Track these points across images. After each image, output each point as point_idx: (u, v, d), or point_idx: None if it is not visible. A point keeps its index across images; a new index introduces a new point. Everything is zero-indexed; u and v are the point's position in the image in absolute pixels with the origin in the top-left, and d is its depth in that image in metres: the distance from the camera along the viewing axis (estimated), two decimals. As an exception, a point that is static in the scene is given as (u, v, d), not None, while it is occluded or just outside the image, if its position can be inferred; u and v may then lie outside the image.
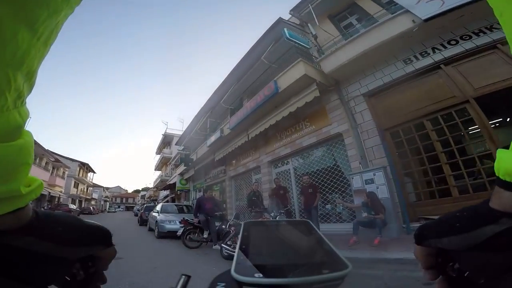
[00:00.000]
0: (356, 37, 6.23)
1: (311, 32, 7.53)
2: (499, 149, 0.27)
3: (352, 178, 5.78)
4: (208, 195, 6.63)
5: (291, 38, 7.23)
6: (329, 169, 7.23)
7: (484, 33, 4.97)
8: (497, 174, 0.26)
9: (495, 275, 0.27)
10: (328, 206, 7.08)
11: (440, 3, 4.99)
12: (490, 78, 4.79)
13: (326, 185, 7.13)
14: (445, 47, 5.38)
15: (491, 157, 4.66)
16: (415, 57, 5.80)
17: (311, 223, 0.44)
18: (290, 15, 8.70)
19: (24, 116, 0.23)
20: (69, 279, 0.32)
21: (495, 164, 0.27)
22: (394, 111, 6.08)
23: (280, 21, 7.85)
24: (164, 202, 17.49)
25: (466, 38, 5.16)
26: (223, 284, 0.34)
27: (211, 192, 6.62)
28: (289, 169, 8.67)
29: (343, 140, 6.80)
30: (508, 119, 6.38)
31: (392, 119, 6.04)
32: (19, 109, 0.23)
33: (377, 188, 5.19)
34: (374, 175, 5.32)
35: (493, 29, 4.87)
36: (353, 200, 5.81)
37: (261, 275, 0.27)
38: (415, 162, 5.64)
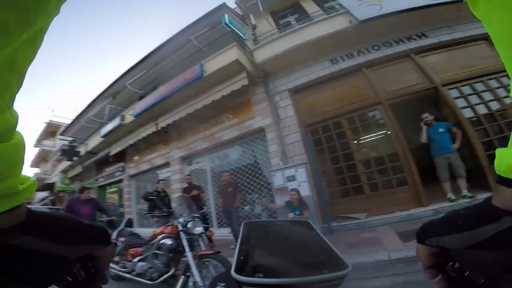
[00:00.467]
0: (293, 30, 6.05)
1: (251, 24, 7.06)
2: (498, 148, 0.27)
3: (274, 175, 5.13)
4: (85, 196, 4.68)
5: (229, 25, 6.51)
6: (248, 166, 6.51)
7: (403, 42, 5.46)
8: (498, 172, 0.26)
9: (495, 275, 0.27)
10: (247, 208, 6.26)
11: (378, 7, 5.25)
12: (401, 83, 5.13)
13: (245, 184, 6.35)
14: (369, 52, 5.67)
15: (398, 157, 4.85)
16: (342, 58, 5.89)
17: (311, 223, 0.45)
18: (236, 5, 8.09)
19: (15, 116, 0.24)
20: (70, 279, 0.32)
21: (496, 162, 0.27)
22: (315, 109, 5.92)
23: (223, 6, 6.89)
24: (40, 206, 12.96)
25: (388, 45, 5.57)
26: (223, 284, 0.35)
27: (89, 193, 4.65)
28: (205, 167, 7.46)
29: (265, 135, 6.20)
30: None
31: (313, 117, 5.81)
32: (11, 110, 0.23)
33: (299, 185, 4.69)
34: (296, 171, 4.81)
35: (410, 39, 5.44)
36: (274, 200, 5.15)
37: (261, 275, 0.27)
38: (331, 160, 5.46)
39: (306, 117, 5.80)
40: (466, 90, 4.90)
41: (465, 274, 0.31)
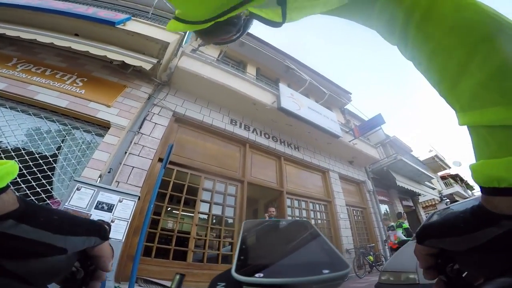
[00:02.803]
0: (227, 71, 5.85)
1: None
2: (470, 164, 0.30)
3: (78, 190, 3.04)
4: None
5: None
6: (40, 155, 3.83)
7: (285, 145, 6.46)
8: (481, 185, 0.28)
9: (494, 277, 0.27)
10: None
11: (298, 108, 6.15)
12: (264, 175, 5.33)
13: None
14: (260, 135, 6.09)
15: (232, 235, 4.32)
16: (241, 124, 5.89)
17: (311, 223, 0.42)
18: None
19: None
20: (69, 276, 0.31)
21: (474, 177, 0.29)
22: (184, 151, 4.91)
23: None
24: None
25: (275, 140, 6.36)
26: (223, 284, 0.32)
27: None
28: None
29: (104, 133, 4.19)
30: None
31: (176, 156, 4.68)
32: None
33: (112, 221, 2.91)
34: (120, 201, 3.10)
35: (290, 146, 6.47)
36: None
37: (261, 275, 0.26)
38: (166, 211, 4.17)
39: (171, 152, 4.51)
40: (296, 203, 5.70)
41: (463, 275, 0.31)
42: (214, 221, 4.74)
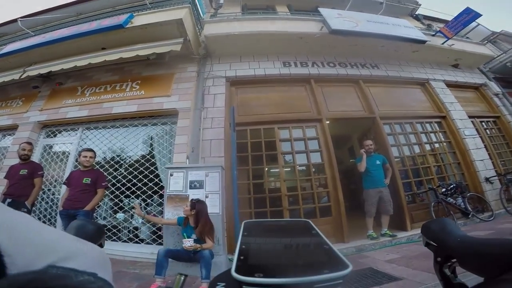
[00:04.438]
0: (256, 18, 5.03)
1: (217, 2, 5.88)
2: None
3: (171, 176, 3.10)
4: None
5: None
6: (136, 156, 4.26)
7: (357, 67, 5.00)
8: None
9: (495, 275, 0.25)
10: (121, 215, 3.82)
11: (354, 25, 4.71)
12: (344, 106, 4.54)
13: (125, 181, 3.95)
14: (323, 66, 4.93)
15: (326, 183, 3.75)
16: (295, 63, 4.90)
17: (311, 223, 0.42)
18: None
19: None
20: None
21: None
22: (250, 108, 4.51)
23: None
24: None
25: (343, 65, 4.99)
26: (223, 284, 0.31)
27: None
28: (72, 143, 4.59)
29: (177, 120, 4.23)
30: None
31: (244, 116, 4.36)
32: None
33: (207, 196, 2.86)
34: (207, 175, 3.02)
35: (364, 67, 5.02)
36: (162, 211, 3.13)
37: (261, 275, 0.25)
38: (252, 173, 4.00)
39: (236, 115, 4.17)
40: (397, 128, 4.43)
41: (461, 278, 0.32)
42: (303, 170, 4.25)
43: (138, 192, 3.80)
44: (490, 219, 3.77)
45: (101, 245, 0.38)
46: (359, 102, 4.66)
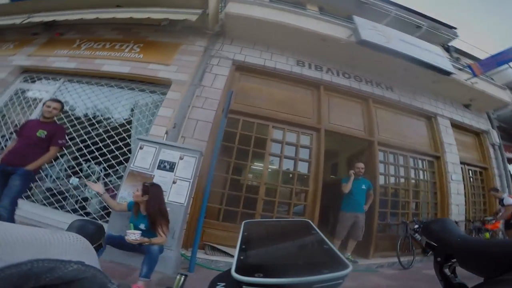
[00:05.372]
0: (284, 8, 4.51)
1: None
2: None
3: (141, 149, 2.65)
4: None
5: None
6: (113, 121, 3.81)
7: (371, 84, 4.68)
8: None
9: (495, 275, 0.25)
10: (74, 181, 3.25)
11: (385, 40, 4.31)
12: (346, 121, 4.21)
13: (91, 143, 3.46)
14: (337, 75, 4.57)
15: (306, 195, 3.44)
16: (310, 65, 4.50)
17: (311, 222, 0.40)
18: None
19: None
20: None
21: None
22: (249, 99, 4.08)
23: None
24: None
25: (358, 80, 4.64)
26: (223, 284, 0.31)
27: None
28: (48, 91, 4.10)
29: (167, 91, 3.82)
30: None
31: (240, 105, 3.92)
32: None
33: (174, 182, 2.43)
34: (182, 158, 2.58)
35: (379, 86, 4.73)
36: (118, 189, 2.77)
37: (261, 275, 0.24)
38: (234, 167, 3.59)
39: (233, 101, 3.76)
40: (391, 158, 4.19)
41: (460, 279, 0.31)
42: (287, 177, 3.92)
43: (101, 159, 3.31)
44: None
45: (101, 245, 0.37)
46: (361, 121, 4.32)
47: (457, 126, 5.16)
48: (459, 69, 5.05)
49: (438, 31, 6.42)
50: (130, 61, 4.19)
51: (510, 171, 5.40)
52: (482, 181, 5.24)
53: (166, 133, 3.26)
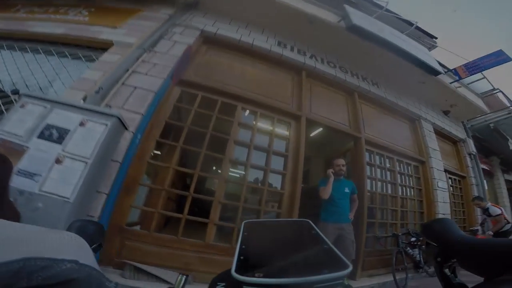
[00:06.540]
0: None
1: None
2: None
3: (21, 107, 1.54)
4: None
5: None
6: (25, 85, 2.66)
7: (358, 77, 4.02)
8: None
9: (495, 275, 0.24)
10: None
11: (377, 29, 3.74)
12: (330, 113, 3.47)
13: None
14: (322, 62, 3.85)
15: (281, 200, 2.53)
16: (292, 48, 3.75)
17: (311, 223, 0.38)
18: None
19: None
20: None
21: None
22: (215, 74, 3.11)
23: None
24: None
25: (344, 70, 3.93)
26: (223, 284, 0.30)
27: None
28: None
29: (103, 53, 2.81)
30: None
31: (201, 77, 2.96)
32: None
33: (59, 162, 1.40)
34: (83, 124, 1.57)
35: (365, 80, 4.07)
36: None
37: (261, 275, 0.23)
38: (181, 154, 2.58)
39: (191, 73, 2.82)
40: (377, 160, 3.52)
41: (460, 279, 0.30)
42: (255, 174, 2.97)
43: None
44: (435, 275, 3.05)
45: (101, 245, 0.36)
46: (346, 116, 3.60)
47: (438, 132, 4.76)
48: (444, 72, 4.74)
49: (420, 40, 6.30)
50: (69, 23, 3.18)
51: (483, 182, 5.16)
52: (461, 190, 4.89)
53: (85, 98, 2.17)
